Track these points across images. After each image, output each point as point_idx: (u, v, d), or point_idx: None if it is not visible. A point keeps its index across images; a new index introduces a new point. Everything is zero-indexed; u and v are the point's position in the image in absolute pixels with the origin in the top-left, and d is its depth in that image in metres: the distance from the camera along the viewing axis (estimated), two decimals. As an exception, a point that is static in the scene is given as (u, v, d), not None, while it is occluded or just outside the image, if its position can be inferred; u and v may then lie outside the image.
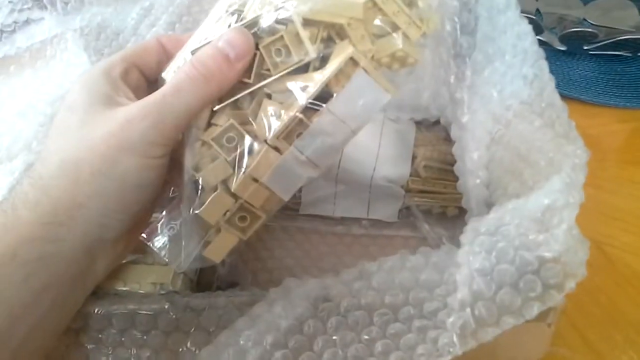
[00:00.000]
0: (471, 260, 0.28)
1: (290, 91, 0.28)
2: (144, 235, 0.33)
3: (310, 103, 0.28)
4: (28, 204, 0.28)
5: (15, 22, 0.43)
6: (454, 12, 0.34)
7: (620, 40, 0.58)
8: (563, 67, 0.60)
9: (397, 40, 0.29)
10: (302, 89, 0.28)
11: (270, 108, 0.28)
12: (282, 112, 0.28)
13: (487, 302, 0.26)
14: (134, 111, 0.28)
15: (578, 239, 0.27)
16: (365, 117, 0.29)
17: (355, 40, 0.28)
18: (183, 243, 0.30)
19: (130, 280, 0.34)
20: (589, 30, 0.58)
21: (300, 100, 0.28)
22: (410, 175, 0.44)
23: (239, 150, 0.29)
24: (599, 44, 0.59)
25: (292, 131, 0.28)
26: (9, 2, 0.42)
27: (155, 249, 0.31)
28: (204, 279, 0.39)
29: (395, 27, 0.29)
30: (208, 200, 0.29)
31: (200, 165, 0.30)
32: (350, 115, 0.28)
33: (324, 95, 0.28)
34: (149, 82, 0.35)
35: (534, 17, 0.58)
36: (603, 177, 0.49)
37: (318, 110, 0.28)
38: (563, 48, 0.60)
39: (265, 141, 0.29)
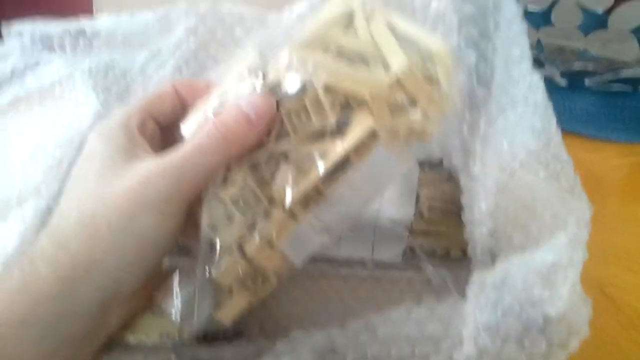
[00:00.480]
0: (477, 315, 0.28)
1: (309, 156, 0.29)
2: (157, 293, 0.33)
3: (330, 172, 0.28)
4: (46, 260, 0.28)
5: (25, 65, 0.44)
6: (470, 63, 0.35)
7: (621, 77, 0.58)
8: (564, 101, 0.60)
9: (417, 115, 0.29)
10: (321, 156, 0.29)
11: (289, 174, 0.29)
12: (301, 178, 0.29)
13: (493, 359, 0.26)
14: (154, 168, 0.29)
15: (581, 297, 0.28)
16: (382, 187, 0.30)
17: (376, 112, 0.29)
18: (196, 304, 0.30)
19: (138, 330, 0.34)
20: (590, 70, 0.58)
21: (320, 169, 0.28)
22: (414, 216, 0.44)
23: (256, 213, 0.29)
24: (600, 80, 0.59)
25: (310, 198, 0.29)
26: (20, 48, 0.43)
27: (167, 311, 0.31)
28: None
29: (415, 103, 0.30)
30: (224, 264, 0.29)
31: (216, 223, 0.30)
32: (367, 186, 0.29)
33: (342, 164, 0.29)
34: (163, 128, 0.35)
35: (534, 52, 0.59)
36: (605, 214, 0.49)
37: (336, 178, 0.29)
38: (564, 83, 0.60)
39: (283, 207, 0.29)
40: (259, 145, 0.30)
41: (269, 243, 0.29)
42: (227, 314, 0.31)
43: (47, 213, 0.38)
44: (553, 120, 0.34)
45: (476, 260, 0.36)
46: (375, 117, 0.29)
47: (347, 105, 0.29)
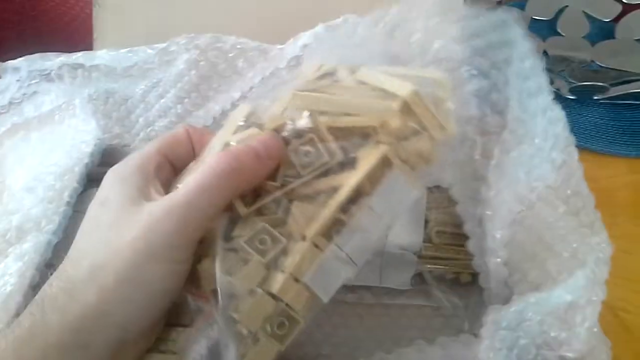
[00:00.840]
0: (492, 358, 0.27)
1: (321, 190, 0.29)
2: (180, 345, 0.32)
3: (347, 201, 0.28)
4: (57, 309, 0.27)
5: (24, 94, 0.43)
6: (482, 89, 0.34)
7: (631, 92, 0.57)
8: (573, 114, 0.59)
9: (424, 140, 0.30)
10: (335, 189, 0.29)
11: (305, 208, 0.29)
12: (318, 210, 0.28)
13: (509, 403, 0.26)
14: (158, 213, 0.28)
15: (600, 338, 0.27)
16: (397, 213, 0.30)
17: (386, 138, 0.29)
18: (224, 354, 0.29)
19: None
20: (600, 84, 0.57)
21: (338, 198, 0.28)
22: (423, 242, 0.43)
23: (274, 252, 0.29)
24: (608, 96, 0.58)
25: (331, 228, 0.29)
26: (17, 80, 0.42)
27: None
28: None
29: (423, 127, 0.30)
30: (247, 307, 0.28)
31: (231, 269, 0.29)
32: (385, 211, 0.29)
33: (358, 193, 0.29)
34: (177, 172, 0.34)
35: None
36: (616, 235, 0.47)
37: (355, 206, 0.29)
38: (573, 97, 0.60)
39: (303, 238, 0.28)
40: (265, 189, 0.30)
41: (294, 277, 0.28)
42: None
43: (47, 248, 0.37)
44: (575, 155, 0.33)
45: (489, 290, 0.35)
46: (385, 143, 0.29)
47: (351, 139, 0.30)
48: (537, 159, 0.34)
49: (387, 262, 0.43)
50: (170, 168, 0.33)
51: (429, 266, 0.43)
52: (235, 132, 0.32)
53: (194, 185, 0.28)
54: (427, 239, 0.44)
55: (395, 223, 0.30)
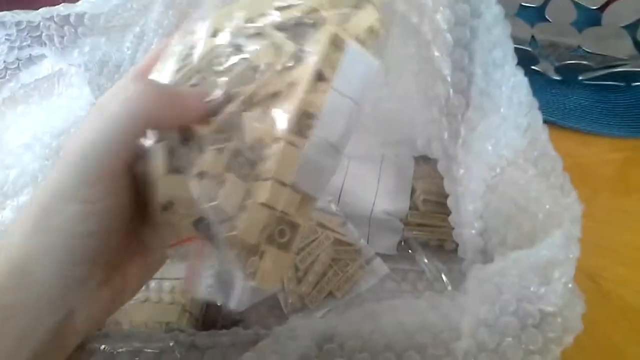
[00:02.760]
0: (475, 311, 0.28)
1: (278, 94, 0.28)
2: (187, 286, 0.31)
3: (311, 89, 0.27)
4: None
5: (18, 59, 0.44)
6: (446, 72, 0.35)
7: (615, 72, 0.59)
8: (558, 95, 0.61)
9: (369, 12, 0.29)
10: (293, 85, 0.27)
11: (270, 110, 0.27)
12: (284, 105, 0.27)
13: (491, 354, 0.27)
14: (69, 148, 0.26)
15: (576, 293, 0.28)
16: (363, 89, 0.29)
17: (331, 22, 0.29)
18: (234, 279, 0.27)
19: (136, 320, 0.34)
20: (584, 62, 0.59)
21: (300, 90, 0.27)
22: (410, 209, 0.45)
23: (246, 166, 0.27)
24: (593, 75, 0.60)
25: (302, 123, 0.27)
26: (6, 39, 0.43)
27: (207, 298, 0.28)
28: (208, 318, 0.39)
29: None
30: (244, 220, 0.26)
31: (208, 192, 0.27)
32: (351, 90, 0.28)
33: (319, 78, 0.28)
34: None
35: (529, 49, 0.59)
36: (596, 208, 0.49)
37: (320, 91, 0.28)
38: (558, 78, 0.61)
39: (277, 140, 0.27)
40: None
41: (280, 182, 0.27)
42: (267, 279, 0.27)
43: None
44: (539, 118, 0.34)
45: (467, 260, 0.36)
46: (332, 24, 0.28)
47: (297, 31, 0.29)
48: (503, 127, 0.34)
49: (375, 228, 0.45)
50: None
51: (415, 232, 0.45)
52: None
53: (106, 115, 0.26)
54: (414, 207, 0.45)
55: (363, 100, 0.29)
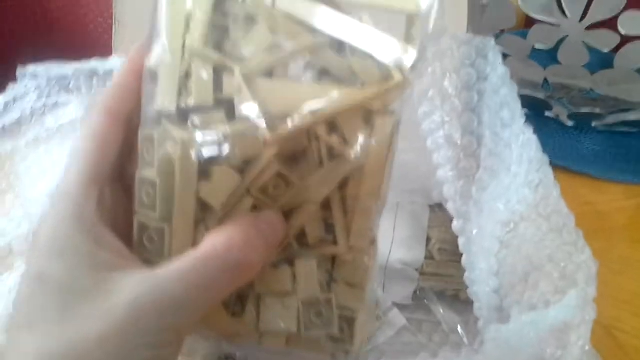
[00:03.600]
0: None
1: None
2: None
3: None
4: None
5: (45, 105, 0.45)
6: (457, 136, 0.36)
7: (627, 120, 0.59)
8: (572, 141, 0.61)
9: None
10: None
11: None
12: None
13: (507, 415, 0.27)
14: (140, 297, 0.21)
15: (592, 353, 0.28)
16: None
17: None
18: None
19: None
20: (597, 111, 0.59)
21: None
22: (425, 258, 0.45)
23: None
24: (606, 122, 0.60)
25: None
26: (36, 89, 0.44)
27: None
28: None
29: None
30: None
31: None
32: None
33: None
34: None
35: (542, 97, 0.60)
36: (611, 258, 0.50)
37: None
38: (572, 124, 0.61)
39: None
40: None
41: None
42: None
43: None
44: (550, 175, 0.35)
45: (483, 318, 0.36)
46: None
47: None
48: (514, 185, 0.35)
49: (390, 277, 0.45)
50: (112, 187, 0.26)
51: (430, 282, 0.45)
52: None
53: (190, 277, 0.22)
54: (429, 256, 0.46)
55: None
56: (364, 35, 0.25)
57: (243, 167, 0.24)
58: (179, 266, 0.22)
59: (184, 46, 0.25)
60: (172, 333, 0.22)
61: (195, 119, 0.24)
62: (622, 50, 0.72)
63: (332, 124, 0.25)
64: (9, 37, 0.83)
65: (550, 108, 0.61)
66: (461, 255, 0.44)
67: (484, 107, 0.36)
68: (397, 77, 0.25)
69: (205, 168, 0.24)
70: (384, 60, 0.25)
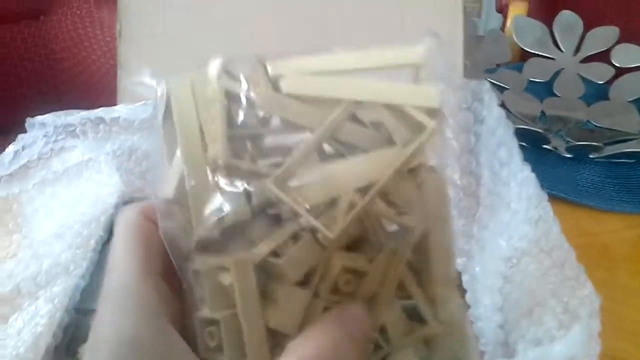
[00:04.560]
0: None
1: None
2: None
3: None
4: None
5: (51, 149, 0.46)
6: (456, 177, 0.37)
7: (625, 151, 0.60)
8: (571, 172, 0.62)
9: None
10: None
11: None
12: None
13: None
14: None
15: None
16: None
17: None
18: None
19: None
20: (595, 143, 0.60)
21: None
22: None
23: None
24: (604, 154, 0.61)
25: None
26: (44, 136, 0.46)
27: None
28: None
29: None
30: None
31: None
32: None
33: None
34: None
35: (540, 131, 0.61)
36: (614, 288, 0.50)
37: None
38: (570, 156, 0.62)
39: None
40: None
41: None
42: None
43: (75, 291, 0.39)
44: (549, 211, 0.35)
45: (488, 353, 0.37)
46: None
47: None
48: (515, 222, 0.36)
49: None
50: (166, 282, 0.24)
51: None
52: None
53: None
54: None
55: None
56: (381, 90, 0.23)
57: (306, 277, 0.22)
58: None
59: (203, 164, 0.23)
60: None
61: (239, 238, 0.22)
62: (616, 82, 0.73)
63: (383, 194, 0.23)
64: (14, 78, 0.85)
65: (548, 141, 0.62)
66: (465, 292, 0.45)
67: (481, 148, 0.37)
68: (428, 123, 0.23)
69: (264, 289, 0.22)
70: (411, 111, 0.23)
